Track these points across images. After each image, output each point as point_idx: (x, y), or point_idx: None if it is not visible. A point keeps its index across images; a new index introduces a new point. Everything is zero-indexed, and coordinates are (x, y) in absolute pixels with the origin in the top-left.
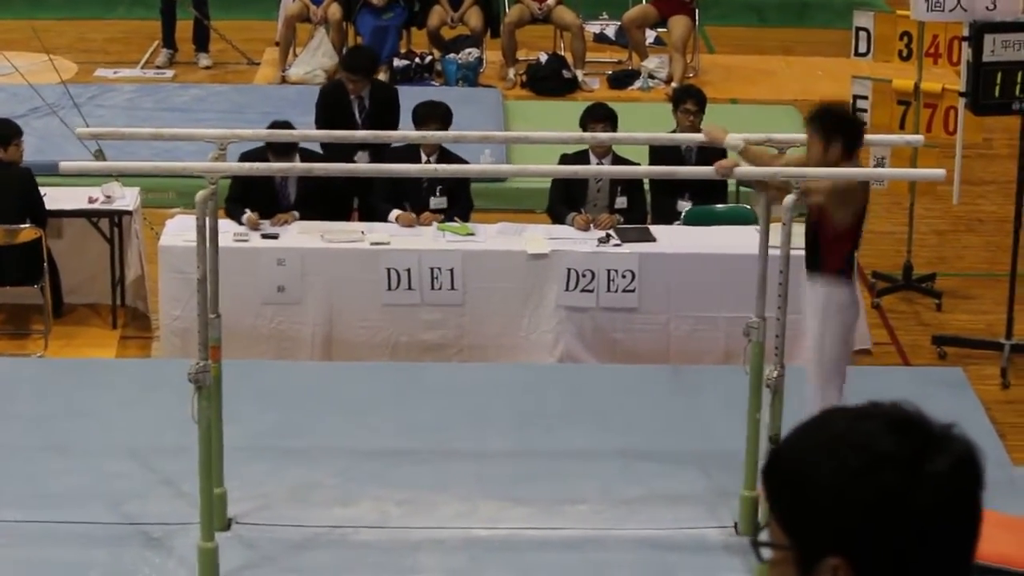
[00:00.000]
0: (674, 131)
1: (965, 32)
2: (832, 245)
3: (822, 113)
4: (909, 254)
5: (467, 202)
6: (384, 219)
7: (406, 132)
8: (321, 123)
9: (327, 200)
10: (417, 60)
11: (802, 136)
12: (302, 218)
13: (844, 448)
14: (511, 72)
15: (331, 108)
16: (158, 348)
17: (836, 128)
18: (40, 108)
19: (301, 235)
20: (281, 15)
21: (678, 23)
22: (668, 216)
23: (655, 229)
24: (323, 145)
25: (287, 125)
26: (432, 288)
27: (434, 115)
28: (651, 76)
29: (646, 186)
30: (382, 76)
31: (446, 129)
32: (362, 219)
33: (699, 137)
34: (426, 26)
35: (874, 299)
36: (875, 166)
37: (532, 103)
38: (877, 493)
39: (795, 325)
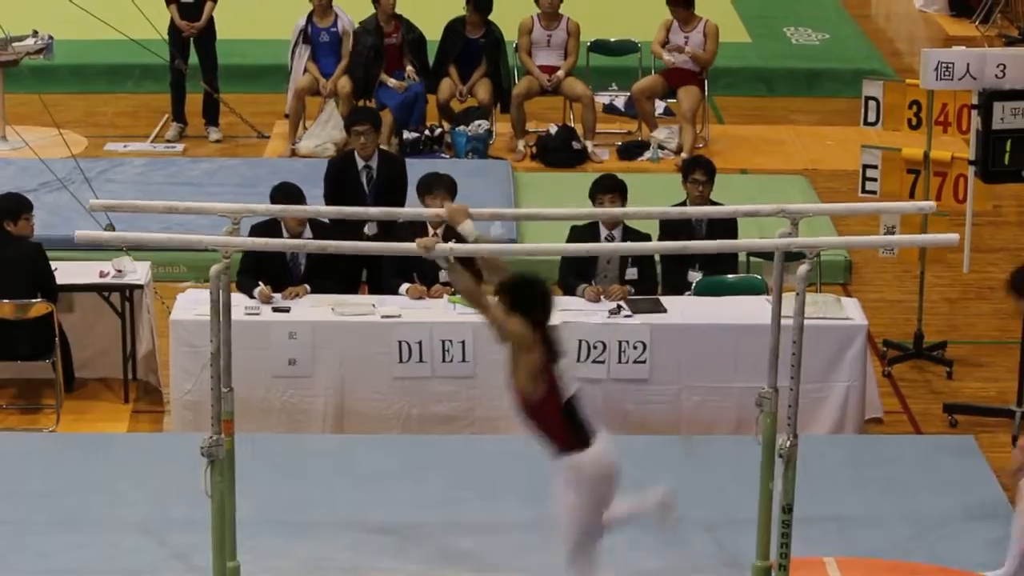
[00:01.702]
0: (683, 202)
1: (974, 100)
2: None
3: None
4: (920, 322)
5: (477, 275)
6: (394, 292)
7: (418, 209)
8: (329, 195)
9: (336, 272)
10: (427, 132)
11: (814, 206)
12: (312, 290)
13: None
14: (521, 144)
15: (339, 180)
16: (169, 422)
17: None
18: (51, 182)
19: (312, 308)
20: (291, 88)
21: (688, 93)
22: (679, 287)
23: (666, 300)
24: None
25: (293, 187)
26: (443, 360)
27: (438, 186)
28: (660, 147)
29: (656, 257)
30: (392, 149)
31: (452, 200)
32: (371, 292)
33: (709, 209)
34: (436, 98)
35: (885, 368)
36: (885, 234)
37: (542, 175)
38: None
39: (808, 394)
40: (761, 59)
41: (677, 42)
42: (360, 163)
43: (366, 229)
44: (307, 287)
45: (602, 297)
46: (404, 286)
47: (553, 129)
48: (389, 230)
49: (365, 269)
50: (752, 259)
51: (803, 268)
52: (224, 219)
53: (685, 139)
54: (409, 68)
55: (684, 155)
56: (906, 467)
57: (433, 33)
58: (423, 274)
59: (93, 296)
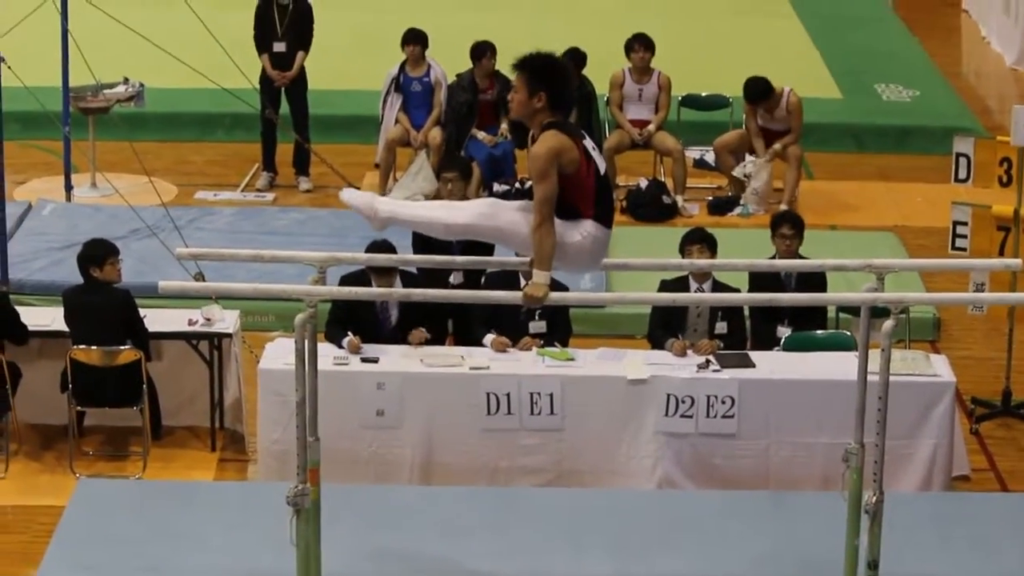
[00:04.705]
0: (772, 257)
1: None
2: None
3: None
4: (1008, 380)
5: (566, 327)
6: (479, 343)
7: (504, 258)
8: (418, 243)
9: (429, 322)
10: (517, 185)
11: (900, 261)
12: (402, 340)
13: None
14: None
15: None
16: (255, 471)
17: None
18: (140, 230)
19: (401, 359)
20: (382, 139)
21: (791, 147)
22: (768, 342)
23: (754, 355)
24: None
25: (386, 244)
26: (531, 413)
27: None
28: (745, 175)
29: (746, 312)
30: None
31: None
32: (457, 343)
33: (797, 263)
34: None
35: (973, 425)
36: (974, 291)
37: (632, 229)
38: None
39: (895, 451)
40: (851, 115)
41: (767, 125)
42: None
43: (451, 279)
44: (424, 332)
45: (689, 351)
46: (488, 337)
47: (643, 183)
48: (475, 280)
49: (451, 319)
50: (841, 316)
51: (888, 324)
52: (311, 268)
53: (788, 181)
54: (503, 126)
55: (783, 206)
56: (993, 525)
57: None
58: (512, 324)
59: (181, 344)
